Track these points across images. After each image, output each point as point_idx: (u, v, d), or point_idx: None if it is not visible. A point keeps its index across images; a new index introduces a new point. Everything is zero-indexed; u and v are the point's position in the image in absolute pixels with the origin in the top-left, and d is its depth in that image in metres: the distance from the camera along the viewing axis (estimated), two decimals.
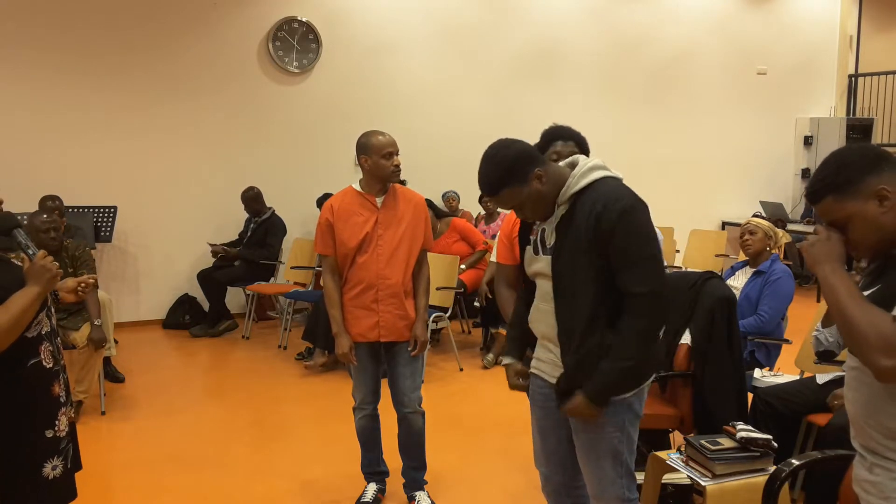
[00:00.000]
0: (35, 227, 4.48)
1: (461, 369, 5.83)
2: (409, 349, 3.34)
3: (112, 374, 5.46)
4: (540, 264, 2.31)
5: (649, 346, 2.20)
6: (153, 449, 4.29)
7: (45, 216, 4.53)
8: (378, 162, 3.23)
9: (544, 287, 2.31)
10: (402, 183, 3.35)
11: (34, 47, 6.62)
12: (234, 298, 7.31)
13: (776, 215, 8.92)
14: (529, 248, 2.39)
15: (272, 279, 7.01)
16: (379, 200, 3.31)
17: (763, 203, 9.57)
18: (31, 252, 2.18)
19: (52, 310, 2.32)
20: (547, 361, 2.39)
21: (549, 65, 8.77)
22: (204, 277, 6.89)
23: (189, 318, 7.07)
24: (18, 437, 2.13)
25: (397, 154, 3.27)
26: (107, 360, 5.40)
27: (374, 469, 3.59)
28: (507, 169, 2.18)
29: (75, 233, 5.80)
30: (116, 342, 6.47)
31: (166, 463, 4.09)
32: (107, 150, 6.93)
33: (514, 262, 2.79)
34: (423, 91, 8.18)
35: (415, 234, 3.35)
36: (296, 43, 7.64)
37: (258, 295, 6.95)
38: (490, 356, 5.95)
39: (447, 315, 5.88)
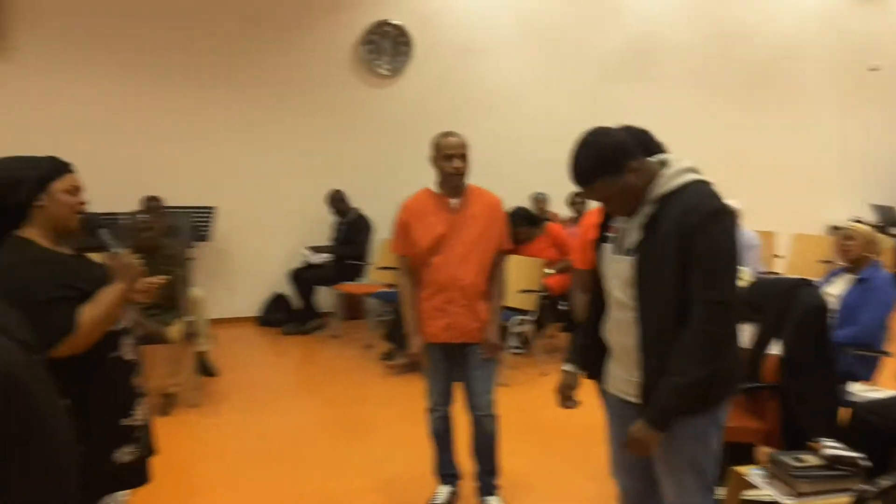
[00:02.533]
0: (133, 225, 4.71)
1: (544, 374, 5.76)
2: (481, 352, 3.31)
3: (206, 369, 5.66)
4: (618, 266, 2.21)
5: (710, 362, 2.05)
6: (239, 442, 4.42)
7: (143, 216, 4.74)
8: (439, 163, 3.23)
9: (620, 294, 2.22)
10: (460, 186, 3.31)
11: (139, 54, 6.95)
12: (328, 297, 7.46)
13: (887, 219, 8.40)
14: (606, 247, 2.30)
15: (360, 279, 7.11)
16: (454, 202, 3.30)
17: (873, 206, 9.03)
18: (115, 250, 2.27)
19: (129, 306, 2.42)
20: (621, 377, 2.28)
21: (643, 63, 8.56)
22: (295, 276, 7.08)
23: (282, 316, 7.27)
24: (95, 425, 2.21)
25: (460, 157, 3.24)
26: (201, 355, 5.60)
27: (447, 471, 3.58)
28: (603, 158, 2.08)
29: (175, 232, 6.06)
30: (212, 338, 6.73)
31: (250, 456, 4.21)
32: (206, 153, 7.21)
33: (591, 266, 2.72)
34: (513, 92, 8.14)
35: (490, 235, 3.32)
36: (387, 46, 7.73)
37: (346, 294, 7.08)
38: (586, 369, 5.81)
39: (532, 319, 5.81)
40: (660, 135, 2.49)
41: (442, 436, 3.52)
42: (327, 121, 7.57)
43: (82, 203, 2.26)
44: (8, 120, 6.68)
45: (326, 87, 7.55)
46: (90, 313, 2.12)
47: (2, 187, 2.14)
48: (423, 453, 3.75)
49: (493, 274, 3.37)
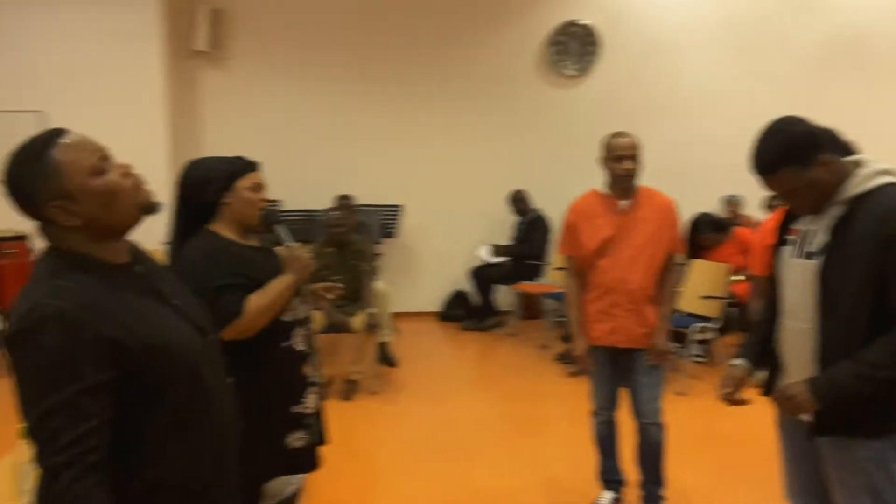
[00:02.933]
0: (326, 221, 5.04)
1: None
2: (648, 358, 3.23)
3: (387, 359, 5.94)
4: (798, 270, 2.08)
5: None
6: (414, 431, 4.61)
7: (335, 213, 5.06)
8: (608, 164, 3.17)
9: (798, 300, 2.08)
10: (629, 187, 3.23)
11: (338, 63, 7.42)
12: (507, 296, 7.57)
13: None
14: (785, 250, 2.17)
15: (538, 279, 7.14)
16: (623, 203, 3.24)
17: None
18: (288, 244, 2.46)
19: (305, 297, 2.57)
20: None
21: (848, 57, 7.88)
22: (475, 274, 7.24)
23: (462, 313, 7.47)
24: (266, 411, 2.36)
25: (631, 158, 3.16)
26: (383, 346, 5.88)
27: (610, 476, 3.52)
28: (789, 146, 1.96)
29: (364, 229, 6.41)
30: (395, 330, 7.04)
31: (424, 445, 4.38)
32: (396, 154, 7.56)
33: (769, 272, 2.57)
34: (705, 90, 7.80)
35: (660, 238, 3.23)
36: (574, 46, 7.68)
37: (525, 294, 7.14)
38: (761, 373, 5.50)
39: (715, 326, 5.55)
40: (869, 134, 2.30)
41: (605, 441, 3.47)
42: (512, 121, 7.67)
43: (263, 200, 2.44)
44: (223, 123, 7.39)
45: (512, 88, 7.65)
46: (257, 301, 2.27)
47: (195, 185, 2.39)
48: (592, 456, 3.72)
49: (664, 278, 3.27)
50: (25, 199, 1.42)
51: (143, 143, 6.68)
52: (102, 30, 6.63)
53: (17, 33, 6.54)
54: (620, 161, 3.16)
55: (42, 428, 1.32)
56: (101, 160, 1.47)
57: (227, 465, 1.60)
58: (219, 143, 7.36)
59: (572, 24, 7.64)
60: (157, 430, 1.45)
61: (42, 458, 1.32)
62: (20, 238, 5.74)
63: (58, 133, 1.45)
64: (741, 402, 2.37)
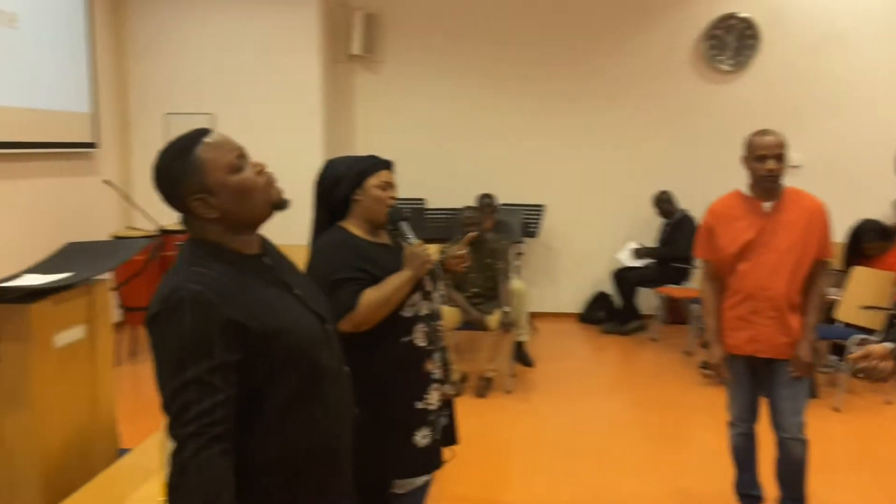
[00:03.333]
0: (460, 221, 5.14)
1: (889, 402, 5.08)
2: (790, 370, 3.06)
3: (524, 358, 5.95)
4: None
5: None
6: (544, 432, 4.61)
7: (468, 213, 5.13)
8: (751, 164, 3.03)
9: None
10: (774, 189, 3.06)
11: (482, 61, 7.50)
12: (648, 299, 7.37)
13: None
14: None
15: (684, 283, 6.90)
16: (767, 205, 3.09)
17: None
18: (409, 241, 2.49)
19: (434, 295, 2.57)
20: None
21: None
22: (617, 276, 7.11)
23: (603, 315, 7.36)
24: (390, 406, 2.42)
25: (775, 158, 3.00)
26: (520, 345, 5.91)
27: (746, 490, 3.37)
28: None
29: (503, 228, 6.46)
30: (532, 329, 7.04)
31: (552, 447, 4.37)
32: (539, 153, 7.55)
33: None
34: (876, 87, 7.21)
35: (807, 243, 3.05)
36: (731, 40, 7.37)
37: (669, 297, 6.93)
38: None
39: (878, 339, 5.15)
40: None
41: (743, 453, 3.33)
42: (660, 118, 7.46)
43: (392, 197, 2.50)
44: (373, 123, 7.68)
45: (662, 85, 7.43)
46: (372, 295, 2.33)
47: (329, 183, 2.51)
48: (729, 469, 3.58)
49: (810, 285, 3.09)
50: (171, 192, 1.57)
51: (300, 143, 7.07)
52: (268, 37, 7.05)
53: (194, 41, 7.08)
54: (763, 161, 3.02)
55: (174, 401, 1.44)
56: (238, 158, 1.59)
57: (342, 446, 1.68)
58: (369, 143, 7.65)
59: (730, 16, 7.32)
60: (277, 409, 1.55)
61: (172, 428, 1.45)
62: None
63: (203, 133, 1.58)
64: (879, 377, 2.16)
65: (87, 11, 6.42)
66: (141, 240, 3.28)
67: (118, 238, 5.97)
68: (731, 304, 3.15)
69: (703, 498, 3.70)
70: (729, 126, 7.34)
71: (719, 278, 3.22)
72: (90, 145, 6.55)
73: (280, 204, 1.67)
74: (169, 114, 7.11)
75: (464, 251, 2.65)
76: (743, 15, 7.28)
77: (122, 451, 3.16)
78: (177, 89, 7.15)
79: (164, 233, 5.74)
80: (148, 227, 5.97)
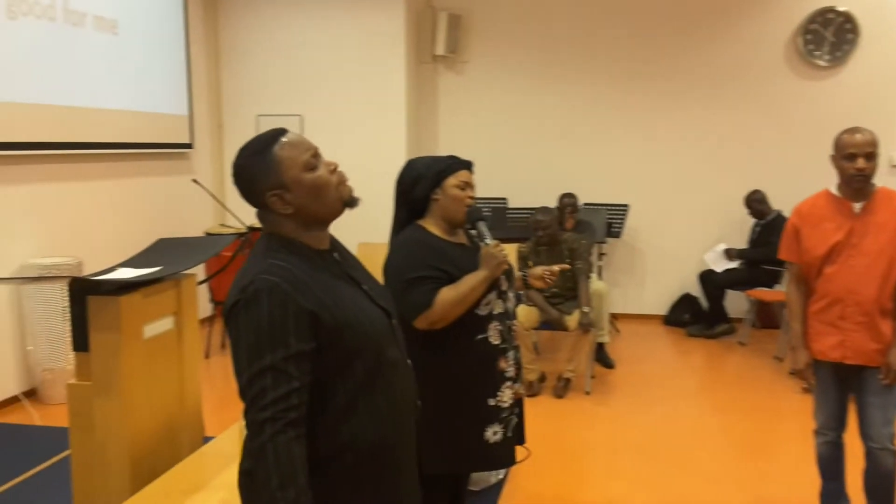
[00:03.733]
0: (531, 224, 5.12)
1: None
2: (881, 377, 2.92)
3: (604, 360, 5.89)
4: None
5: None
6: (622, 435, 4.54)
7: (539, 216, 5.09)
8: (839, 163, 2.90)
9: None
10: (864, 189, 2.91)
11: (565, 61, 7.44)
12: (737, 302, 7.16)
13: None
14: None
15: (776, 286, 6.66)
16: (856, 206, 2.96)
17: None
18: (486, 241, 2.54)
19: (509, 294, 2.61)
20: None
21: None
22: (705, 278, 6.92)
23: (688, 317, 7.18)
24: (463, 402, 2.46)
25: (866, 157, 2.86)
26: (601, 346, 5.84)
27: (833, 502, 3.24)
28: None
29: (585, 228, 6.38)
30: (615, 331, 6.95)
31: (630, 450, 4.30)
32: (623, 152, 7.43)
33: None
34: None
35: None
36: (829, 35, 7.07)
37: (759, 301, 6.70)
38: None
39: None
40: None
41: (829, 462, 3.20)
42: (751, 116, 7.22)
43: (470, 197, 2.55)
44: (456, 123, 7.73)
45: (753, 81, 7.19)
46: (448, 294, 2.38)
47: (409, 182, 2.56)
48: (815, 479, 3.45)
49: None
50: (249, 188, 1.64)
51: (384, 143, 7.19)
52: (355, 39, 7.19)
53: (283, 45, 7.30)
54: (853, 159, 2.89)
55: (251, 387, 1.50)
56: (313, 157, 1.65)
57: (405, 438, 1.72)
58: (451, 143, 7.70)
59: (828, 10, 7.02)
60: (344, 399, 1.60)
61: (249, 413, 1.51)
62: None
63: (280, 132, 1.65)
64: None
65: (185, 18, 6.72)
66: (227, 237, 3.42)
67: (209, 235, 6.22)
68: (817, 308, 3.04)
69: None
70: (825, 124, 7.06)
71: (806, 281, 3.10)
72: (187, 146, 6.85)
73: (350, 202, 1.72)
74: (260, 115, 7.36)
75: (554, 273, 2.67)
76: (842, 9, 6.97)
77: (207, 439, 3.30)
78: (267, 92, 7.39)
79: (253, 230, 5.94)
80: (238, 224, 6.19)
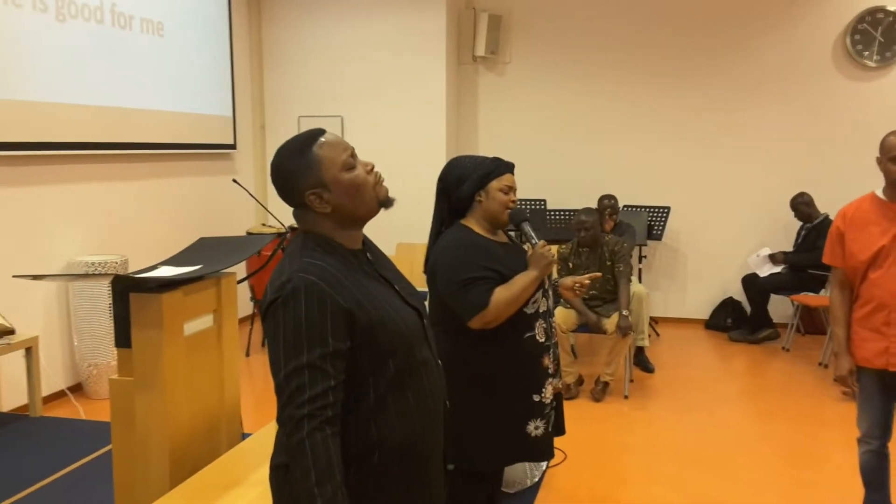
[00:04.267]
0: (573, 224, 5.09)
1: None
2: None
3: (643, 364, 5.82)
4: None
5: None
6: (660, 440, 4.49)
7: (582, 216, 5.06)
8: (885, 165, 2.83)
9: None
10: None
11: (602, 61, 7.38)
12: (781, 307, 7.03)
13: None
14: None
15: (822, 291, 6.53)
16: None
17: None
18: (534, 241, 2.57)
19: (550, 292, 2.68)
20: None
21: None
22: (749, 282, 6.80)
23: (731, 322, 7.07)
24: (509, 398, 2.52)
25: None
26: (640, 350, 5.78)
27: None
28: None
29: (625, 230, 6.32)
30: (656, 334, 6.87)
31: (668, 455, 4.25)
32: (665, 153, 7.34)
33: None
34: None
35: None
36: (879, 35, 6.91)
37: (804, 306, 6.57)
38: None
39: None
40: None
41: (872, 472, 3.12)
42: (797, 117, 7.08)
43: (513, 200, 2.60)
44: (495, 124, 7.71)
45: (800, 81, 7.06)
46: (502, 294, 2.43)
47: (453, 182, 2.60)
48: (859, 489, 3.37)
49: None
50: (288, 187, 1.66)
51: (424, 143, 7.21)
52: (396, 40, 7.24)
53: (324, 47, 7.38)
54: None
55: (289, 384, 1.52)
56: (351, 157, 1.67)
57: (435, 435, 1.73)
58: (491, 144, 7.70)
59: (878, 9, 6.86)
60: (376, 397, 1.61)
61: (286, 409, 1.52)
62: None
63: (319, 132, 1.67)
64: None
65: (229, 20, 6.83)
66: (266, 236, 3.46)
67: (250, 234, 6.31)
68: (861, 314, 2.97)
69: None
70: (873, 126, 6.91)
71: (850, 286, 3.04)
72: (230, 147, 6.96)
73: (386, 202, 1.74)
74: (301, 116, 7.44)
75: (584, 285, 2.70)
76: (892, 8, 6.82)
77: (245, 436, 3.35)
78: (308, 93, 7.47)
79: (293, 229, 6.02)
80: (279, 224, 6.27)
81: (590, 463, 4.14)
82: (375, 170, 1.72)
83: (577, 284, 2.71)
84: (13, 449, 4.29)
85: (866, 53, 6.93)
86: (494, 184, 2.55)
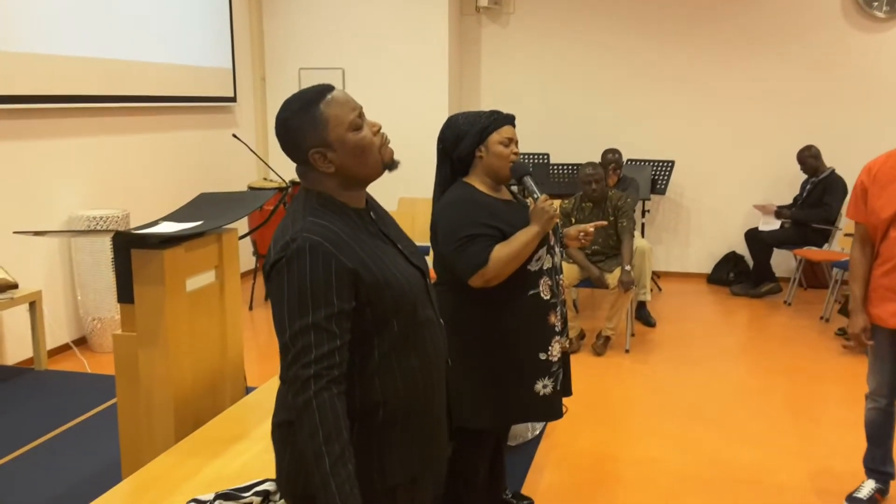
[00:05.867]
0: (580, 177, 5.05)
1: None
2: None
3: (645, 318, 5.84)
4: None
5: None
6: (662, 394, 4.52)
7: (589, 170, 5.02)
8: None
9: None
10: None
11: (608, 13, 7.25)
12: (784, 261, 7.02)
13: None
14: None
15: (826, 245, 6.51)
16: None
17: None
18: (536, 196, 2.52)
19: (556, 248, 2.63)
20: None
21: None
22: (751, 236, 6.78)
23: (733, 276, 7.07)
24: (516, 357, 2.50)
25: None
26: (642, 304, 5.79)
27: (875, 466, 3.18)
28: None
29: (629, 184, 6.28)
30: (658, 289, 6.88)
31: (669, 410, 4.28)
32: (669, 106, 7.26)
33: None
34: None
35: None
36: None
37: (806, 260, 6.56)
38: None
39: None
40: None
41: (876, 428, 3.13)
42: (804, 70, 6.98)
43: (514, 153, 2.54)
44: (499, 77, 7.61)
45: (807, 33, 6.94)
46: (502, 251, 2.39)
47: (451, 139, 2.55)
48: (859, 444, 3.40)
49: None
50: (292, 143, 1.62)
51: (426, 96, 7.12)
52: None
53: None
54: None
55: (294, 344, 1.51)
56: (358, 117, 1.63)
57: (438, 394, 1.73)
58: (494, 97, 7.60)
59: None
60: (380, 356, 1.61)
61: (291, 369, 1.51)
62: None
63: (327, 89, 1.62)
64: None
65: None
66: (268, 191, 3.43)
67: (252, 189, 6.27)
68: (880, 272, 2.93)
69: (831, 472, 3.54)
70: (882, 79, 6.82)
71: (871, 243, 3.00)
72: (230, 100, 6.88)
73: (391, 164, 1.71)
74: (302, 69, 7.34)
75: (589, 234, 2.66)
76: None
77: (249, 389, 3.36)
78: (309, 45, 7.35)
79: (294, 184, 5.97)
80: (280, 179, 6.23)
81: (590, 416, 4.17)
82: (382, 131, 1.69)
83: (581, 234, 2.67)
84: (19, 402, 4.33)
85: (875, 4, 6.79)
86: (494, 136, 2.50)
